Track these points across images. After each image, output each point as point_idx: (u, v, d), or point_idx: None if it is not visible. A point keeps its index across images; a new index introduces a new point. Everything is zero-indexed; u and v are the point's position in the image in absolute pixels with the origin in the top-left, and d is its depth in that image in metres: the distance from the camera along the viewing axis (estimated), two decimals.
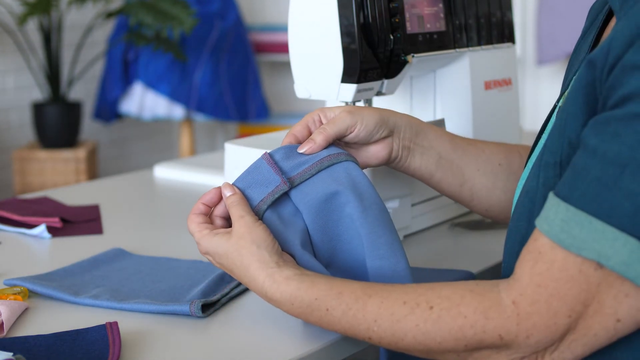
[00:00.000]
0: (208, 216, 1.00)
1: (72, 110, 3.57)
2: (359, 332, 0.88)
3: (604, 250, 0.77)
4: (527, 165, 1.01)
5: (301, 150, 1.01)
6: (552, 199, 0.81)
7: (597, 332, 0.80)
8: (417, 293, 0.86)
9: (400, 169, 1.12)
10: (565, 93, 0.99)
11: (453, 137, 1.14)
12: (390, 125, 1.07)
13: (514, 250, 0.92)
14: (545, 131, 1.01)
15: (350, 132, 1.04)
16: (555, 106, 1.01)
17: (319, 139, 1.01)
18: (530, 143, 1.24)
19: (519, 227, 0.91)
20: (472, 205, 1.17)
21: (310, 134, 1.04)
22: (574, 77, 0.97)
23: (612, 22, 0.95)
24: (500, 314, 0.82)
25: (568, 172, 0.81)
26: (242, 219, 0.95)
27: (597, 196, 0.77)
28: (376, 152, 1.07)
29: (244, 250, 0.93)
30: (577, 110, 0.84)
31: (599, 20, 0.98)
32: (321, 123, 1.05)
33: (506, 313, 0.81)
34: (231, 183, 1.01)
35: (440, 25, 1.33)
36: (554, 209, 0.80)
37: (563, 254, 0.79)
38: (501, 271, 0.97)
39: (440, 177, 1.13)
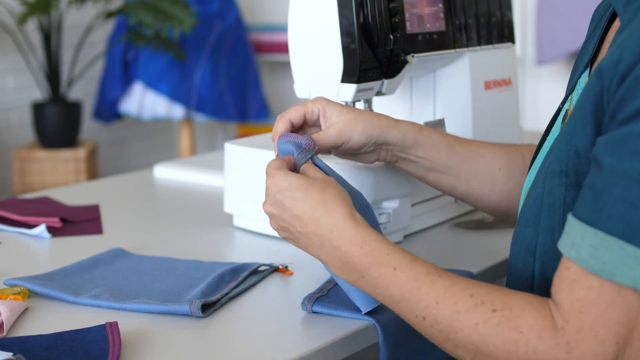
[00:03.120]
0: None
1: (72, 110, 3.57)
2: (415, 307, 0.86)
3: (639, 275, 0.75)
4: (532, 167, 1.01)
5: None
6: (576, 223, 0.79)
7: None
8: (484, 290, 0.84)
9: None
10: (570, 97, 0.98)
11: (452, 144, 1.14)
12: (380, 143, 1.09)
13: (520, 256, 0.91)
14: (550, 134, 1.00)
15: (335, 148, 1.07)
16: (559, 108, 1.00)
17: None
18: (530, 143, 1.24)
19: (525, 234, 0.90)
20: (468, 202, 1.19)
21: (304, 122, 1.06)
22: (580, 85, 0.96)
23: (616, 24, 0.94)
24: (552, 337, 0.79)
25: (587, 193, 0.79)
26: (327, 177, 0.96)
27: (624, 217, 0.75)
28: (362, 158, 1.11)
29: (329, 190, 0.93)
30: (584, 119, 0.82)
31: (603, 22, 0.97)
32: (318, 117, 1.06)
33: (557, 338, 0.79)
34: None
35: (440, 25, 1.33)
36: (581, 235, 0.78)
37: (598, 279, 0.77)
38: (507, 276, 0.97)
39: (431, 180, 1.15)
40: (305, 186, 0.93)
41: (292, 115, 1.05)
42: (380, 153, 1.10)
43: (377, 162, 1.17)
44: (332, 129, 1.05)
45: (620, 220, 0.75)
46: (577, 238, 0.78)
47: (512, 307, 0.82)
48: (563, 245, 0.80)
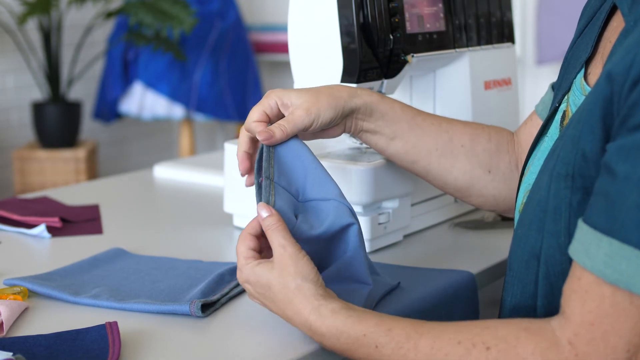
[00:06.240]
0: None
1: (72, 110, 3.57)
2: None
3: None
4: (530, 168, 1.00)
5: (259, 137, 1.00)
6: (590, 232, 0.78)
7: None
8: (472, 333, 0.83)
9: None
10: (566, 97, 0.98)
11: (414, 116, 1.15)
12: (346, 113, 1.08)
13: (522, 260, 0.90)
14: (547, 134, 1.00)
15: (307, 129, 1.04)
16: (556, 108, 1.00)
17: (278, 134, 1.01)
18: (498, 126, 1.24)
19: (528, 236, 0.89)
20: (428, 180, 1.19)
21: (267, 120, 1.04)
22: (577, 85, 0.96)
23: (615, 22, 0.93)
24: (558, 354, 0.79)
25: (599, 200, 0.78)
26: (284, 249, 0.92)
27: (639, 225, 0.74)
28: (328, 133, 1.09)
29: (289, 283, 0.91)
30: (593, 123, 0.81)
31: (600, 20, 0.96)
32: (278, 110, 1.05)
33: (564, 354, 0.79)
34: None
35: (440, 25, 1.33)
36: (596, 243, 0.77)
37: (611, 288, 0.76)
38: (505, 279, 0.95)
39: (393, 153, 1.15)
40: (267, 284, 0.92)
41: (254, 116, 1.03)
42: (346, 124, 1.10)
43: (376, 162, 1.17)
44: (298, 110, 1.03)
45: (635, 229, 0.74)
46: (592, 247, 0.77)
47: (507, 339, 0.81)
48: (576, 253, 0.79)
